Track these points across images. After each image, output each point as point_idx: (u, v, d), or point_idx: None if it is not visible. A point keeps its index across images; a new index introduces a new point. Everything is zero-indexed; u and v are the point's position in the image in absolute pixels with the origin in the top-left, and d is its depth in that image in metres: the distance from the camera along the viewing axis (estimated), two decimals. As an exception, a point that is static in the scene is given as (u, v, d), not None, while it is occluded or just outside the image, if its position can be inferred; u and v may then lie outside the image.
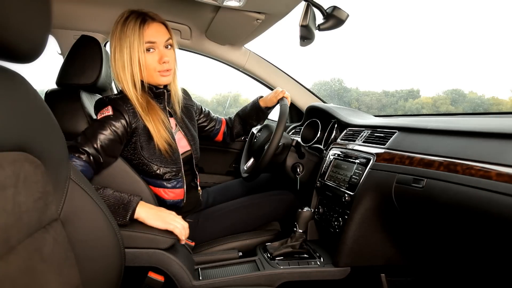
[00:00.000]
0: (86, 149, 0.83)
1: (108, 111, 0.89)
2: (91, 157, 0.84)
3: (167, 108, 1.02)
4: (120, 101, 0.91)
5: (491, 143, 0.65)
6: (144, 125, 0.92)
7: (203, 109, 1.27)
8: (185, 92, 1.17)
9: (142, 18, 0.90)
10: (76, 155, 0.82)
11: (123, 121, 0.89)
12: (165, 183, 0.99)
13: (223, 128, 1.33)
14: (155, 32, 0.91)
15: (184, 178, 1.04)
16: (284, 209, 1.20)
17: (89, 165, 0.84)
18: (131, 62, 0.90)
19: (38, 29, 0.41)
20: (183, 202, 1.05)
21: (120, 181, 0.94)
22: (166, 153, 0.95)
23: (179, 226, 0.85)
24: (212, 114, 1.31)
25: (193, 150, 1.07)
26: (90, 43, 1.01)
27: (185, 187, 1.04)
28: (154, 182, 0.98)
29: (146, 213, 0.83)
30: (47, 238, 0.42)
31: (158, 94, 0.99)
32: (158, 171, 0.96)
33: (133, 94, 0.92)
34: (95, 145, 0.84)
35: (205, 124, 1.28)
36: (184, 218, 1.07)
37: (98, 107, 0.92)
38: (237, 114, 1.35)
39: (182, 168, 1.02)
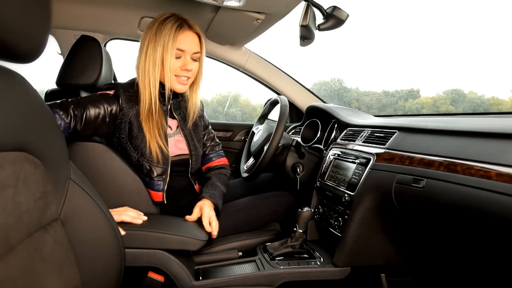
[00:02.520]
0: (75, 112, 0.87)
1: (110, 91, 0.95)
2: (73, 121, 0.86)
3: (169, 110, 1.03)
4: (126, 87, 0.96)
5: (491, 143, 0.65)
6: (138, 121, 0.95)
7: (210, 130, 1.21)
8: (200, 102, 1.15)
9: (180, 23, 0.93)
10: (61, 113, 0.85)
11: (116, 106, 0.94)
12: (148, 181, 0.98)
13: (215, 164, 1.19)
14: (186, 40, 0.94)
15: (167, 181, 1.00)
16: (283, 211, 1.20)
17: (68, 128, 0.86)
18: (163, 62, 0.93)
19: (38, 29, 0.41)
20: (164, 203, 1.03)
21: (120, 181, 0.94)
22: (156, 154, 0.96)
23: (130, 214, 0.86)
24: (216, 144, 1.21)
25: (191, 156, 1.05)
26: (90, 43, 1.00)
27: (165, 190, 1.01)
28: (145, 178, 0.99)
29: None
30: (47, 238, 0.42)
31: (163, 93, 0.99)
32: (141, 167, 0.97)
33: (148, 90, 0.94)
34: (82, 112, 0.88)
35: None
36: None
37: (105, 89, 0.97)
38: None
39: (168, 171, 1.00)
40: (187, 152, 1.05)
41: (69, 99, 0.89)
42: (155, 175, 0.98)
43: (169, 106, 1.03)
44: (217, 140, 1.23)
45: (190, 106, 1.07)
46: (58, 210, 0.47)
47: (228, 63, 1.61)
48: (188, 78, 0.98)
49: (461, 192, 0.65)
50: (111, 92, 0.95)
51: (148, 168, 0.97)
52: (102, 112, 0.91)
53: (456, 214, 0.67)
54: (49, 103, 0.85)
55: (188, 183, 1.10)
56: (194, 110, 1.07)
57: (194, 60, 0.98)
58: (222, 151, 1.23)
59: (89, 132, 0.91)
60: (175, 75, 0.96)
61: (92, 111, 0.89)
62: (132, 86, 0.97)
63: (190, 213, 1.10)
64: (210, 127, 1.21)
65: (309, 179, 1.23)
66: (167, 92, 0.96)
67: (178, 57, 0.95)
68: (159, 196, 1.00)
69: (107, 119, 0.93)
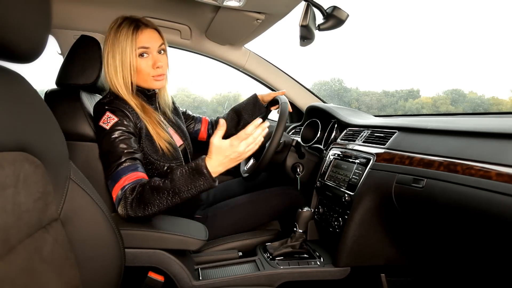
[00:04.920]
0: (133, 155, 0.86)
1: (112, 118, 0.89)
2: (138, 159, 0.88)
3: (158, 108, 1.05)
4: (119, 103, 0.92)
5: (491, 143, 0.65)
6: (146, 127, 0.94)
7: (183, 110, 1.29)
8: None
9: (136, 24, 0.92)
10: (133, 163, 0.85)
11: (128, 121, 0.90)
12: None
13: (205, 126, 1.32)
14: (148, 38, 0.93)
15: None
16: (290, 203, 1.21)
17: (141, 165, 0.88)
18: (122, 67, 0.92)
19: (38, 29, 0.41)
20: None
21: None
22: (168, 151, 0.97)
23: (250, 147, 0.81)
24: (190, 112, 1.31)
25: (186, 144, 1.09)
26: (89, 43, 1.00)
27: None
28: None
29: (218, 166, 0.79)
30: (47, 238, 0.42)
31: (150, 96, 1.02)
32: (164, 168, 0.97)
33: (129, 97, 0.94)
34: (129, 150, 0.87)
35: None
36: (192, 214, 1.10)
37: (98, 114, 0.91)
38: (232, 108, 1.34)
39: (183, 163, 1.04)
40: (181, 142, 1.08)
41: (110, 158, 0.86)
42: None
43: (156, 104, 1.05)
44: (189, 112, 1.30)
45: (161, 98, 1.07)
46: (58, 210, 0.47)
47: (228, 63, 1.61)
48: (163, 74, 0.97)
49: (461, 192, 0.65)
50: (115, 119, 0.89)
51: (172, 168, 0.98)
52: (129, 135, 0.88)
53: (456, 214, 0.67)
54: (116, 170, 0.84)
55: None
56: (168, 101, 1.09)
57: (161, 53, 0.97)
58: (195, 115, 1.33)
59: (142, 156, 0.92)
60: (152, 76, 0.95)
61: (127, 142, 0.87)
62: (118, 98, 0.94)
63: (195, 203, 1.10)
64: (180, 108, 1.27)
65: (309, 179, 1.23)
66: (131, 88, 0.95)
67: (146, 56, 0.94)
68: None
69: (135, 134, 0.91)
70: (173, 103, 1.18)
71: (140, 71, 0.94)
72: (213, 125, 1.34)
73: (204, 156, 0.80)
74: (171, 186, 0.78)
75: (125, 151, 0.86)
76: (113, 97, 0.94)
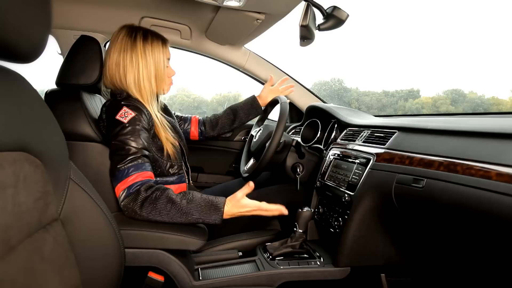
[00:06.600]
0: (145, 152, 0.89)
1: (129, 112, 0.91)
2: (149, 158, 0.91)
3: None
4: (136, 103, 0.95)
5: (491, 143, 0.65)
6: (155, 128, 0.97)
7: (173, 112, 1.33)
8: None
9: (161, 37, 1.02)
10: (144, 161, 0.88)
11: (144, 117, 0.94)
12: (172, 179, 1.03)
13: (195, 125, 1.35)
14: (168, 49, 1.04)
15: (185, 172, 1.09)
16: (290, 200, 1.20)
17: (150, 165, 0.91)
18: (156, 74, 0.99)
19: (38, 29, 0.41)
20: None
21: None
22: (172, 152, 1.01)
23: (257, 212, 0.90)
24: (179, 113, 1.35)
25: (182, 145, 1.11)
26: (90, 43, 1.00)
27: (187, 181, 1.09)
28: (162, 179, 1.00)
29: (232, 213, 0.88)
30: (47, 238, 0.42)
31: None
32: (166, 166, 1.00)
33: (151, 102, 0.99)
34: (143, 147, 0.90)
35: None
36: None
37: (114, 109, 0.92)
38: (229, 107, 1.37)
39: (183, 163, 1.08)
40: (177, 143, 1.09)
41: (127, 149, 0.87)
42: (176, 170, 1.03)
43: (158, 108, 1.07)
44: (178, 113, 1.34)
45: (160, 102, 1.14)
46: (58, 210, 0.47)
47: (228, 63, 1.61)
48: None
49: (461, 192, 0.65)
50: (132, 114, 0.92)
51: (173, 166, 1.02)
52: (144, 131, 0.92)
53: (456, 214, 0.67)
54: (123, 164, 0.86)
55: (186, 171, 1.14)
56: (162, 105, 1.15)
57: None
58: (184, 115, 1.36)
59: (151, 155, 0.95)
60: (167, 84, 1.05)
61: (142, 137, 0.90)
62: (131, 96, 0.97)
63: None
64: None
65: (309, 179, 1.23)
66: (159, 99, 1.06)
67: (167, 66, 1.03)
68: (184, 188, 1.07)
69: (149, 131, 0.95)
70: (165, 106, 1.21)
71: (163, 79, 1.02)
72: (205, 123, 1.35)
73: (225, 198, 0.89)
74: (186, 206, 0.83)
75: (140, 146, 0.89)
76: (126, 94, 0.97)
